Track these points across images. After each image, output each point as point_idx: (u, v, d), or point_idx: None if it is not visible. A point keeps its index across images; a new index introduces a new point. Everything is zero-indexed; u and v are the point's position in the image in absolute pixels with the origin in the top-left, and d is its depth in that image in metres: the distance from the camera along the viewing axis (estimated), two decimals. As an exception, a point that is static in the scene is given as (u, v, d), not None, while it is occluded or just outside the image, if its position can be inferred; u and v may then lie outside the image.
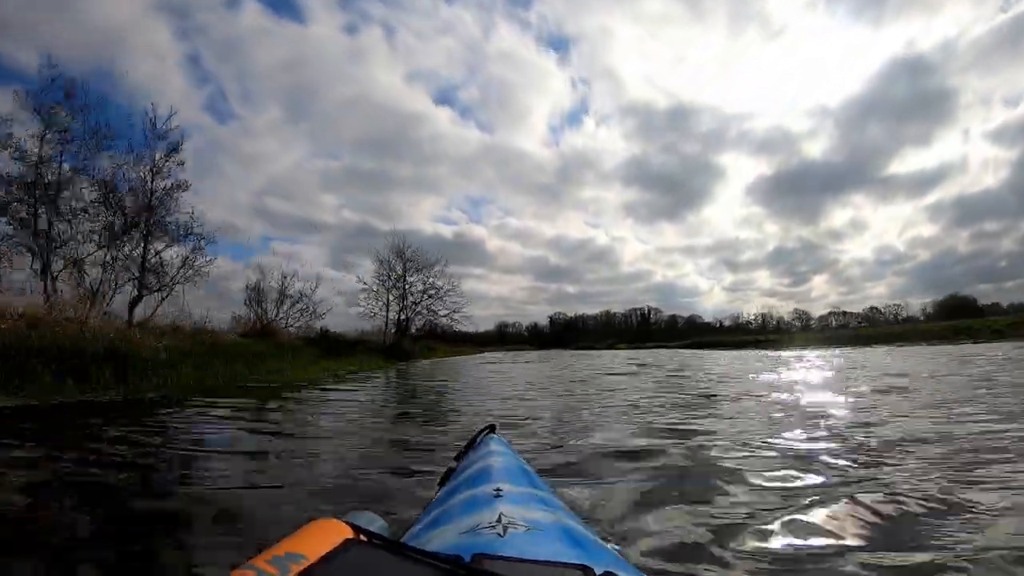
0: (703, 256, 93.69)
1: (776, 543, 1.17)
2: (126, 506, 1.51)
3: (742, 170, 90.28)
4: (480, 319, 76.45)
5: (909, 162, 68.95)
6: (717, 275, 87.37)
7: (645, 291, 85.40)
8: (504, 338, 62.69)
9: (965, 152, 66.10)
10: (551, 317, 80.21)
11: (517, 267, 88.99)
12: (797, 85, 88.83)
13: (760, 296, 78.53)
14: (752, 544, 1.16)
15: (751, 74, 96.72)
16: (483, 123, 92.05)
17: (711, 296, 78.00)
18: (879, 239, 71.30)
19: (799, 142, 76.55)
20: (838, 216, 76.94)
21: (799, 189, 75.00)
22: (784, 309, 65.16)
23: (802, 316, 55.92)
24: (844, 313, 54.94)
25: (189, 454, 2.23)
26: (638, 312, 79.32)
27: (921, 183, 67.26)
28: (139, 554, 1.18)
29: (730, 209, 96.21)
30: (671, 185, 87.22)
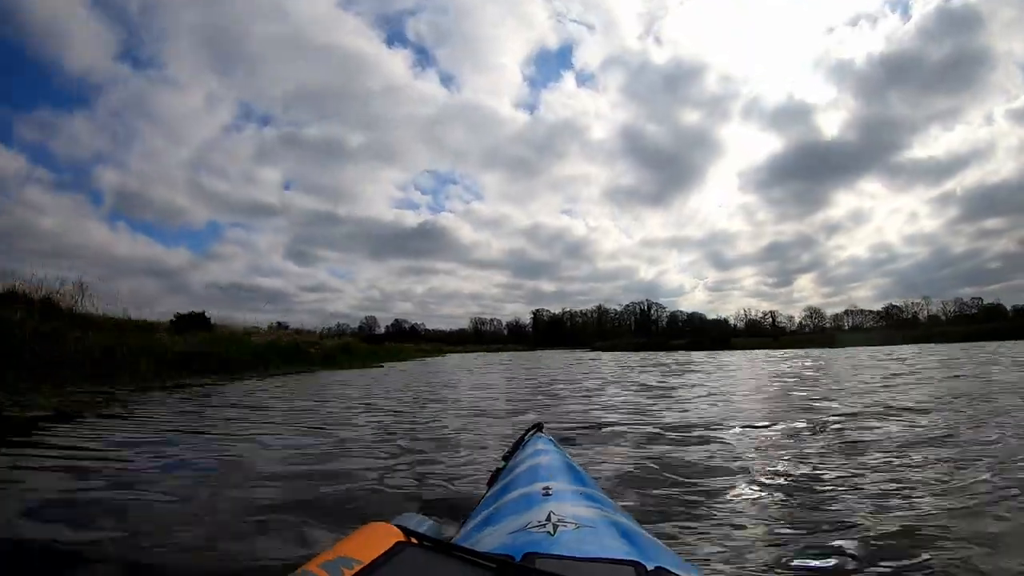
0: (690, 250, 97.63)
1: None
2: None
3: (746, 147, 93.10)
4: (455, 318, 78.07)
5: (931, 145, 72.46)
6: (700, 272, 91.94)
7: (627, 290, 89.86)
8: (481, 337, 63.30)
9: (992, 134, 69.37)
10: (534, 313, 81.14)
11: (490, 261, 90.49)
12: (819, 39, 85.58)
13: (743, 297, 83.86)
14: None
15: (768, 22, 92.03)
16: (447, 76, 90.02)
17: (691, 296, 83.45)
18: (878, 235, 77.47)
19: (814, 115, 78.80)
20: (842, 204, 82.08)
21: (806, 172, 77.71)
22: (760, 309, 69.94)
23: (813, 315, 59.61)
24: (862, 312, 59.19)
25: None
26: (637, 308, 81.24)
27: (938, 170, 71.28)
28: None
29: (725, 195, 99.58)
30: (663, 162, 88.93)
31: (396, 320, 67.99)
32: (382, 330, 61.61)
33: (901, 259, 70.41)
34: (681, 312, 79.16)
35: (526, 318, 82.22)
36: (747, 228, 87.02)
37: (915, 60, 67.03)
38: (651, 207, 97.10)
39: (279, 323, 19.79)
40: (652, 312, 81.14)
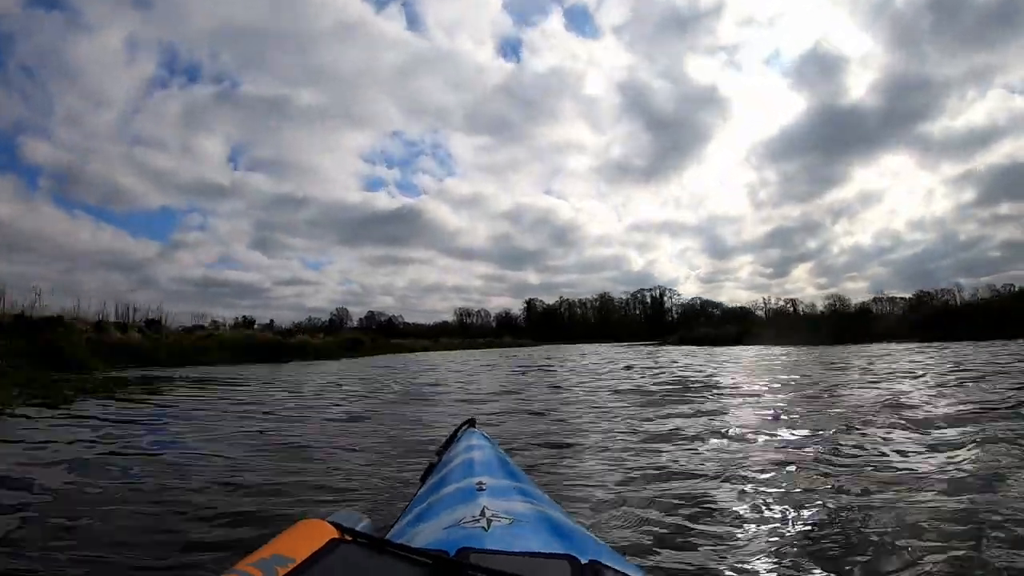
0: (684, 236, 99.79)
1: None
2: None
3: (761, 108, 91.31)
4: (438, 312, 78.13)
5: (965, 111, 71.01)
6: (693, 262, 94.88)
7: (616, 281, 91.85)
8: (467, 331, 63.71)
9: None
10: (527, 303, 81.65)
11: (471, 250, 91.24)
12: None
13: (736, 288, 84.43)
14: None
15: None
16: (413, 13, 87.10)
17: (683, 289, 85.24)
18: (887, 219, 79.38)
19: (842, 71, 77.25)
20: (857, 181, 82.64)
21: (825, 142, 76.92)
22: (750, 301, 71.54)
23: (836, 302, 61.96)
24: (891, 299, 61.86)
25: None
26: (648, 296, 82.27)
27: (966, 142, 70.61)
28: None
29: (729, 170, 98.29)
30: (664, 125, 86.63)
31: (371, 312, 69.05)
32: (355, 324, 62.67)
33: (903, 247, 72.08)
34: (698, 299, 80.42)
35: (516, 309, 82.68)
36: (750, 211, 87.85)
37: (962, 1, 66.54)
38: (644, 184, 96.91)
39: (244, 318, 22.22)
40: (664, 300, 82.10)
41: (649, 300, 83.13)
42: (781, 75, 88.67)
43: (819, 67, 78.15)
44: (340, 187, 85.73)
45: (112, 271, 57.75)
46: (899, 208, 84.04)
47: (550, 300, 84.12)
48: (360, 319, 67.30)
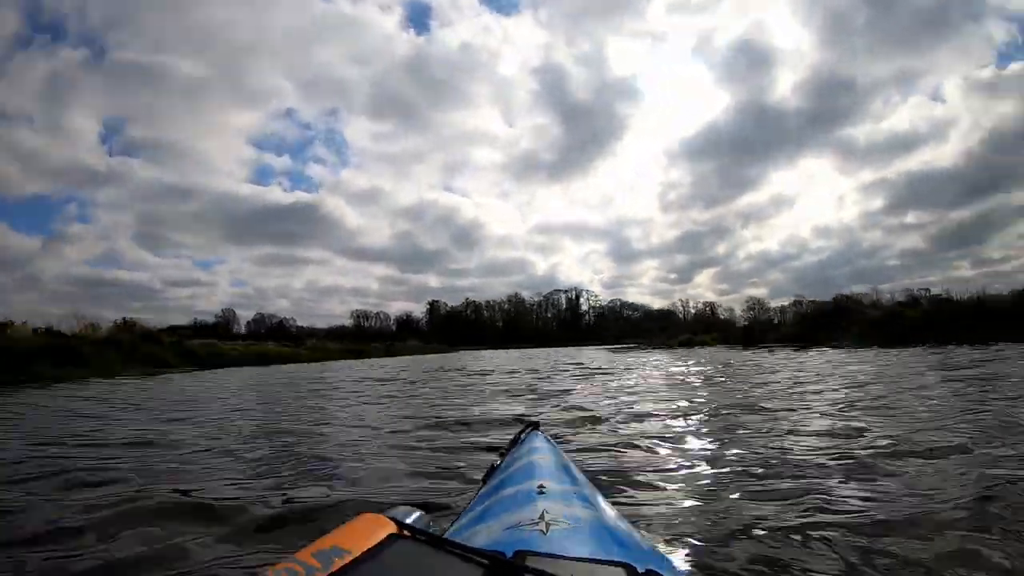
0: (592, 239, 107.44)
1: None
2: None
3: (682, 103, 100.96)
4: (335, 316, 77.23)
5: (889, 117, 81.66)
6: (597, 266, 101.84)
7: (521, 287, 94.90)
8: (364, 334, 63.06)
9: (949, 108, 79.36)
10: (430, 304, 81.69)
11: (368, 250, 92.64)
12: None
13: (639, 294, 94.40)
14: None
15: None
16: None
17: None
18: (794, 226, 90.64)
19: (772, 67, 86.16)
20: (773, 184, 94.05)
21: (744, 142, 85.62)
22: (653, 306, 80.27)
23: (755, 307, 69.50)
24: (813, 302, 70.52)
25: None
26: (563, 298, 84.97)
27: (889, 147, 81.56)
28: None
29: (642, 168, 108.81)
30: (579, 115, 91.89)
31: (260, 315, 69.56)
32: (242, 327, 63.84)
33: (808, 254, 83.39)
34: (617, 300, 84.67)
35: (417, 312, 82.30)
36: (659, 214, 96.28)
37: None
38: (551, 182, 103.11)
39: (125, 320, 22.29)
40: (580, 302, 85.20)
41: (564, 302, 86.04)
42: (708, 67, 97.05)
43: (748, 60, 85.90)
44: (227, 177, 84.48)
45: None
46: (809, 214, 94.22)
47: (454, 303, 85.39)
48: (248, 322, 67.54)
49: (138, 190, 77.06)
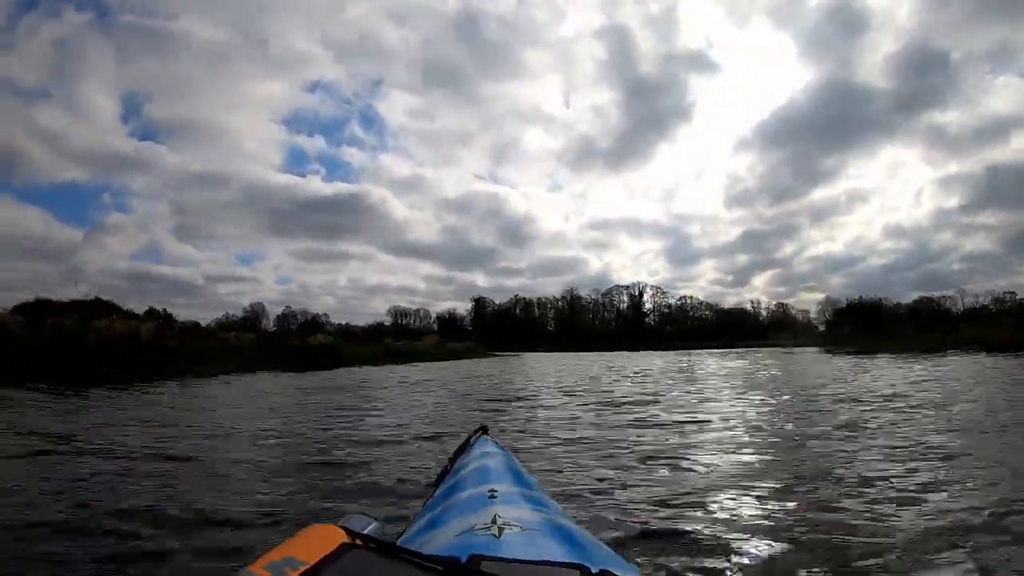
0: (649, 236, 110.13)
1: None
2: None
3: (758, 79, 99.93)
4: (379, 315, 79.21)
5: (987, 98, 79.60)
6: (652, 266, 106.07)
7: (574, 287, 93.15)
8: (404, 333, 64.32)
9: None
10: (476, 300, 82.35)
11: (413, 246, 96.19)
12: None
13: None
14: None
15: None
16: None
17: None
18: (864, 225, 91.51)
19: (862, 35, 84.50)
20: (849, 177, 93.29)
21: (823, 127, 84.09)
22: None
23: (826, 308, 67.68)
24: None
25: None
26: (623, 293, 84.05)
27: (980, 134, 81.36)
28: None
29: (708, 157, 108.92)
30: (643, 91, 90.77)
31: (288, 309, 73.05)
32: (271, 322, 66.82)
33: (874, 256, 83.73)
34: (688, 298, 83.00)
35: (462, 310, 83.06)
36: (722, 210, 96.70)
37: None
38: (609, 172, 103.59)
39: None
40: (644, 301, 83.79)
41: (626, 299, 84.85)
42: (792, 35, 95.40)
43: (839, 25, 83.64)
44: (258, 163, 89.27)
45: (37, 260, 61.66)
46: (881, 212, 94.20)
47: (514, 295, 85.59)
48: (276, 317, 70.64)
49: (170, 178, 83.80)
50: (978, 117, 79.60)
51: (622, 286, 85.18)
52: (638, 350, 52.83)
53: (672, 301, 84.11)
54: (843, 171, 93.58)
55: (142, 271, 77.05)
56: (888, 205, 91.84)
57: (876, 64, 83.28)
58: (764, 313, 77.10)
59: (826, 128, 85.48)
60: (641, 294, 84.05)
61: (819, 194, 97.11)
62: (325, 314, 71.38)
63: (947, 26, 76.06)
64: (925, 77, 79.16)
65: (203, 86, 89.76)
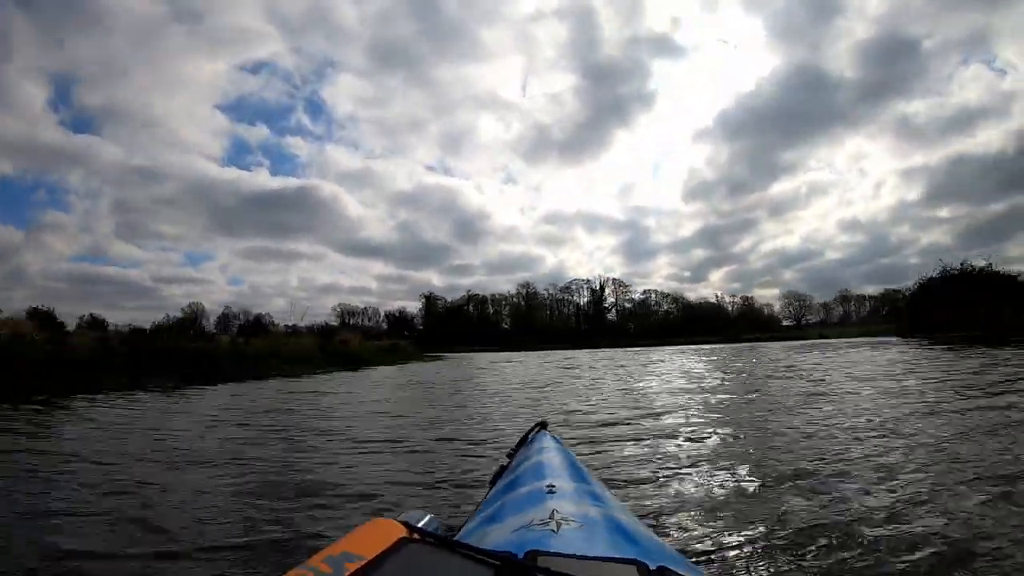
0: (605, 231, 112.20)
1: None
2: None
3: (724, 65, 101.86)
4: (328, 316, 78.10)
5: (955, 88, 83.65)
6: (606, 262, 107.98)
7: (529, 283, 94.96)
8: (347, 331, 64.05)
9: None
10: (426, 298, 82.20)
11: (363, 245, 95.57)
12: None
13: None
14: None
15: None
16: None
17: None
18: (821, 219, 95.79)
19: (836, 16, 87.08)
20: (809, 170, 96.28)
21: (788, 116, 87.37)
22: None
23: (793, 302, 71.29)
24: (860, 297, 75.48)
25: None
26: (587, 288, 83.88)
27: (947, 125, 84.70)
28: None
29: (667, 147, 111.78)
30: (603, 76, 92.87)
31: (227, 309, 72.40)
32: (211, 323, 65.49)
33: (831, 250, 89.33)
34: (654, 293, 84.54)
35: (413, 308, 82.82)
36: (680, 203, 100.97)
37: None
38: (564, 164, 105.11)
39: (92, 317, 24.00)
40: (605, 295, 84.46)
41: (587, 294, 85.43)
42: (763, 19, 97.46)
43: (809, 11, 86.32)
44: (198, 156, 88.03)
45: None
46: (839, 205, 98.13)
47: (467, 291, 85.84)
48: (217, 318, 69.47)
49: (109, 173, 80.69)
50: (946, 107, 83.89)
51: (581, 280, 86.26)
52: (600, 347, 53.54)
53: (635, 295, 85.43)
54: (804, 163, 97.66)
55: (87, 273, 76.77)
56: (847, 198, 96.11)
57: (845, 52, 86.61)
58: (730, 308, 79.26)
59: (790, 118, 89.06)
60: (602, 288, 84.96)
61: (778, 187, 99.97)
62: (268, 314, 70.26)
63: (920, 12, 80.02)
64: (894, 65, 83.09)
65: (135, 67, 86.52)
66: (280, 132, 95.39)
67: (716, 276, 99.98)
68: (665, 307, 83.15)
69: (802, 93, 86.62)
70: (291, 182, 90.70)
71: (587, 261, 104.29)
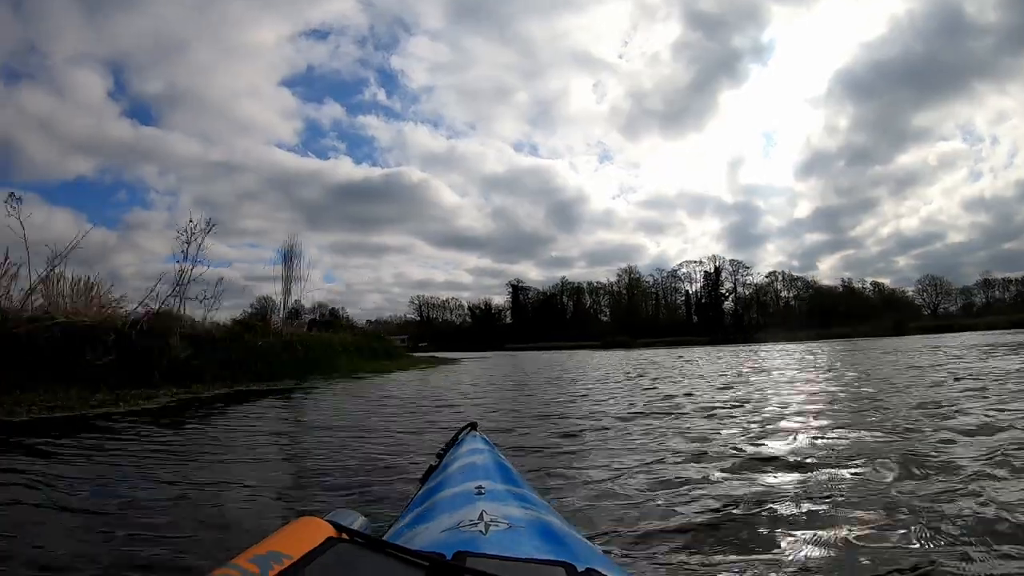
0: (712, 214, 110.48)
1: None
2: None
3: (848, 7, 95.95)
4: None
5: None
6: (709, 249, 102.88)
7: (631, 268, 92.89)
8: (431, 327, 64.95)
9: None
10: (514, 287, 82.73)
11: (454, 235, 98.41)
12: None
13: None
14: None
15: None
16: None
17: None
18: (947, 195, 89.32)
19: None
20: (945, 135, 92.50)
21: (922, 69, 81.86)
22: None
23: (932, 287, 66.10)
24: (1004, 281, 69.94)
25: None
26: (701, 272, 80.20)
27: None
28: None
29: (781, 112, 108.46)
30: (710, 26, 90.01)
31: (297, 303, 71.66)
32: (281, 318, 68.12)
33: (954, 232, 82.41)
34: (779, 273, 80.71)
35: (501, 299, 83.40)
36: (793, 182, 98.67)
37: None
38: (664, 137, 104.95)
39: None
40: (724, 279, 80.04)
41: (700, 278, 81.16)
42: None
43: None
44: (271, 143, 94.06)
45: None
46: (967, 180, 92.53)
47: (562, 277, 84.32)
48: (290, 311, 70.46)
49: (182, 168, 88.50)
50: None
51: (692, 262, 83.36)
52: (718, 343, 51.02)
53: (754, 279, 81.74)
54: (936, 130, 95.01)
55: (182, 273, 78.57)
56: (978, 169, 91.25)
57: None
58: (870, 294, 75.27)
59: (923, 73, 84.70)
60: (718, 271, 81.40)
61: (905, 159, 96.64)
62: (343, 307, 72.97)
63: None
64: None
65: (190, 41, 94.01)
66: (353, 111, 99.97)
67: (827, 263, 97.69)
68: (793, 292, 79.80)
69: (939, 41, 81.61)
70: (375, 171, 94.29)
71: (691, 249, 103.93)
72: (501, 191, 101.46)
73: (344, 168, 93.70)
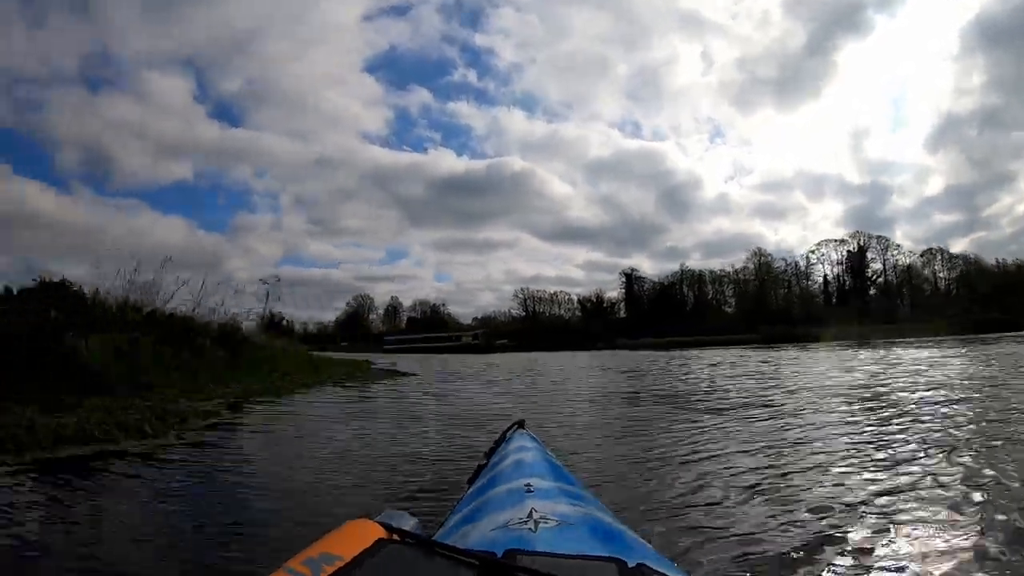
0: (832, 196, 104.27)
1: None
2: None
3: None
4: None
5: None
6: (830, 235, 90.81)
7: (761, 252, 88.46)
8: (536, 322, 65.45)
9: None
10: (627, 275, 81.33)
11: (562, 228, 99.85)
12: None
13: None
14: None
15: None
16: None
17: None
18: None
19: None
20: None
21: None
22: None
23: None
24: None
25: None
26: (844, 251, 74.96)
27: None
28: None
29: (913, 76, 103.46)
30: None
31: (394, 300, 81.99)
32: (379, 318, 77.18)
33: None
34: (937, 252, 75.20)
35: (613, 292, 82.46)
36: (923, 155, 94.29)
37: None
38: (779, 109, 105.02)
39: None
40: (870, 257, 75.30)
41: (843, 258, 76.73)
42: None
43: None
44: (361, 135, 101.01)
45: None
46: None
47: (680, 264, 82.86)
48: (385, 309, 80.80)
49: (279, 170, 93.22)
50: None
51: (831, 240, 79.25)
52: (869, 339, 43.24)
53: (906, 259, 76.17)
54: None
55: (293, 275, 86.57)
56: None
57: None
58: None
59: None
60: (862, 249, 76.62)
61: None
62: (443, 303, 74.63)
63: None
64: None
65: (263, 29, 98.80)
66: (441, 96, 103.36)
67: (956, 248, 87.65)
68: (955, 273, 73.90)
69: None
70: (477, 164, 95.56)
71: (811, 237, 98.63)
72: (607, 178, 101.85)
73: (446, 161, 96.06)
